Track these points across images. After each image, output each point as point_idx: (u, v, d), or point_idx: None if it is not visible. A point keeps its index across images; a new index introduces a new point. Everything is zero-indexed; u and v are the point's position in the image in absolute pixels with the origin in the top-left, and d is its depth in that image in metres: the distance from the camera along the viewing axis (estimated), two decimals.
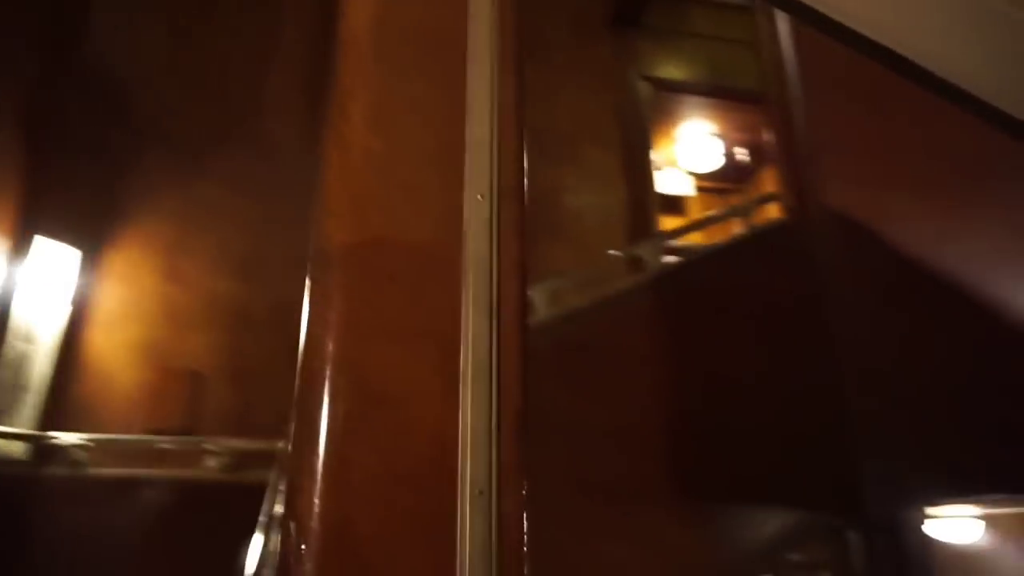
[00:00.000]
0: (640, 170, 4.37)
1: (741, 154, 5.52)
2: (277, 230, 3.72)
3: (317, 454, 0.65)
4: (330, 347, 0.69)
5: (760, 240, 2.67)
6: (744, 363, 2.41)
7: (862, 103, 2.45)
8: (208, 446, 3.06)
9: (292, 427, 0.70)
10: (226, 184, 3.76)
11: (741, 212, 2.82)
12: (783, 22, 2.89)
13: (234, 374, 3.38)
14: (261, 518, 1.64)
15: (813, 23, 1.26)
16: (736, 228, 3.60)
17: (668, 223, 5.10)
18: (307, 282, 0.74)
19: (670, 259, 2.90)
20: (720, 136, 5.36)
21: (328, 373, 0.67)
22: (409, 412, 0.67)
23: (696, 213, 5.78)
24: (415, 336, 0.69)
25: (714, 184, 5.85)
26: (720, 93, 4.87)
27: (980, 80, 1.24)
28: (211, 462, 3.03)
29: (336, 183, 0.75)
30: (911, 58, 1.19)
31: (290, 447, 0.68)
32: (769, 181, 5.61)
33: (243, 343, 3.46)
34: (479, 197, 0.75)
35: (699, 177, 5.69)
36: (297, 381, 0.71)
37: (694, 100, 5.03)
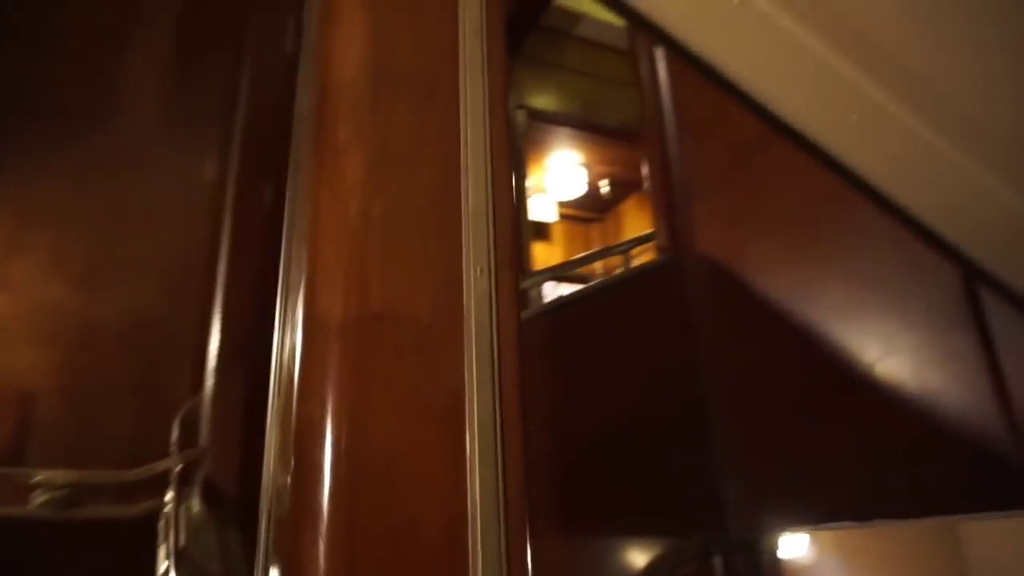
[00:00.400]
0: (515, 195, 4.45)
1: (603, 186, 5.78)
2: (129, 232, 3.37)
3: (319, 548, 0.60)
4: (331, 430, 0.64)
5: (636, 279, 2.81)
6: (622, 395, 2.52)
7: (735, 154, 2.66)
8: (36, 479, 2.69)
9: (288, 520, 0.64)
10: (70, 176, 3.35)
11: (619, 250, 2.95)
12: (663, 68, 3.07)
13: (71, 396, 3.01)
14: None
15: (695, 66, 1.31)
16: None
17: (535, 247, 5.22)
18: (297, 356, 0.68)
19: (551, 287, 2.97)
20: (585, 167, 5.59)
21: (330, 460, 0.62)
22: (419, 502, 0.63)
23: (559, 238, 5.97)
24: (422, 418, 0.66)
25: (576, 212, 6.08)
26: (589, 127, 5.09)
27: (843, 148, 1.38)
28: (40, 497, 2.68)
29: (333, 248, 0.69)
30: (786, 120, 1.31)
31: (289, 541, 0.62)
32: (629, 213, 5.93)
33: (82, 361, 3.09)
34: (479, 271, 0.73)
35: (563, 204, 5.89)
36: (292, 469, 0.65)
37: (564, 131, 5.21)
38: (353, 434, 0.63)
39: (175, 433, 2.08)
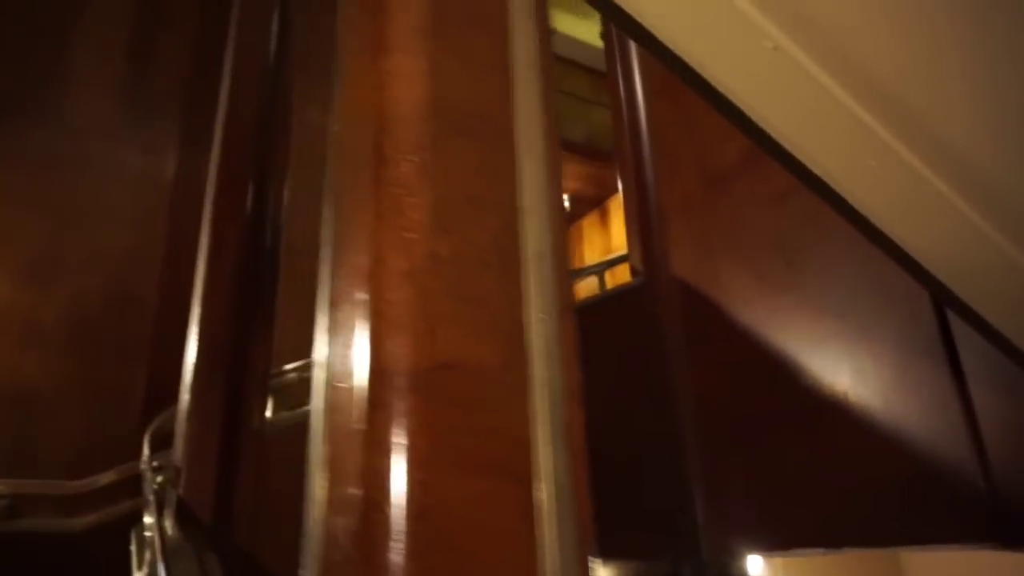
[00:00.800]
0: None
1: (564, 200, 5.81)
2: (77, 225, 3.22)
3: None
4: (401, 487, 0.61)
5: (609, 300, 2.83)
6: (593, 415, 2.52)
7: (711, 181, 2.71)
8: None
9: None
10: (16, 166, 3.18)
11: (593, 271, 2.98)
12: (640, 90, 3.11)
13: (14, 399, 2.84)
14: None
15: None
16: None
17: None
18: (355, 403, 0.65)
19: None
20: None
21: (404, 518, 0.60)
22: (493, 564, 0.61)
23: None
24: (493, 473, 0.64)
25: None
26: None
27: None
28: None
29: (401, 292, 0.67)
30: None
31: None
32: (589, 228, 5.97)
33: (27, 361, 2.93)
34: (542, 315, 0.72)
35: None
36: (356, 524, 0.61)
37: None
38: (427, 490, 0.61)
39: (146, 449, 1.98)
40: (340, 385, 0.70)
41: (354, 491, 0.63)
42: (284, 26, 2.34)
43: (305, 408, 2.31)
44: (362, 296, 0.70)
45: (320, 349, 0.76)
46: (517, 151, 0.79)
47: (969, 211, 1.17)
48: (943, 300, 1.45)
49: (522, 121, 0.80)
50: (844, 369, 2.20)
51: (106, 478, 2.92)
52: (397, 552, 0.58)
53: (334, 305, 0.75)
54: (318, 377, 0.76)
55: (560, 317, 0.73)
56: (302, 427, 2.18)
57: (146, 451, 1.79)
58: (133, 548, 1.50)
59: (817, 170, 1.27)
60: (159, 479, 1.64)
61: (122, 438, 3.13)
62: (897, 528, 1.98)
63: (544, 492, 0.65)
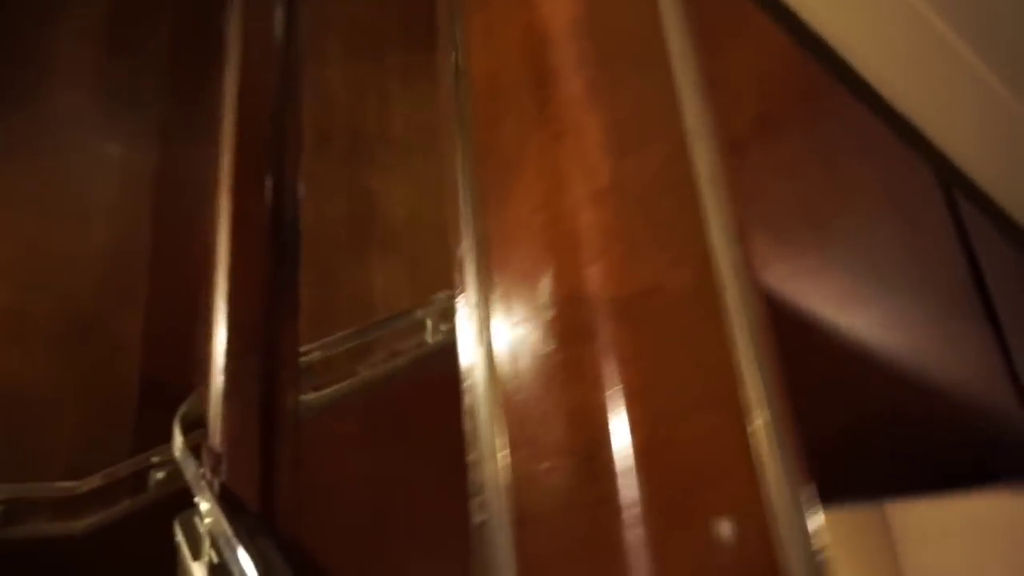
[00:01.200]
0: None
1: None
2: (67, 222, 3.05)
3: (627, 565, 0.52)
4: (622, 424, 0.55)
5: None
6: None
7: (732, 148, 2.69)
8: None
9: (568, 528, 0.55)
10: (1, 158, 3.00)
11: None
12: None
13: (3, 401, 2.69)
14: None
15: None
16: None
17: None
18: (561, 338, 0.60)
19: None
20: None
21: (628, 457, 0.54)
22: (722, 499, 0.56)
23: None
24: (708, 404, 0.59)
25: None
26: None
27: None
28: None
29: (589, 217, 0.61)
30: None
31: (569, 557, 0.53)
32: None
33: (15, 362, 2.77)
34: (725, 240, 0.67)
35: None
36: (570, 469, 0.56)
37: None
38: (651, 426, 0.55)
39: (178, 435, 1.88)
40: (520, 319, 0.64)
41: (562, 431, 0.58)
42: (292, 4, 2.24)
43: (335, 387, 2.22)
44: (538, 222, 0.64)
45: (474, 285, 0.71)
46: (673, 77, 0.74)
47: None
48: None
49: (674, 48, 0.75)
50: (876, 328, 2.20)
51: (101, 478, 2.79)
52: (629, 489, 0.53)
53: (492, 238, 0.69)
54: (478, 316, 0.70)
55: (741, 241, 0.68)
56: (335, 406, 2.09)
57: (179, 438, 1.69)
58: (181, 538, 1.41)
59: (903, 106, 1.25)
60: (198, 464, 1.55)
61: (118, 436, 3.00)
62: (939, 475, 1.99)
63: (760, 422, 0.60)
